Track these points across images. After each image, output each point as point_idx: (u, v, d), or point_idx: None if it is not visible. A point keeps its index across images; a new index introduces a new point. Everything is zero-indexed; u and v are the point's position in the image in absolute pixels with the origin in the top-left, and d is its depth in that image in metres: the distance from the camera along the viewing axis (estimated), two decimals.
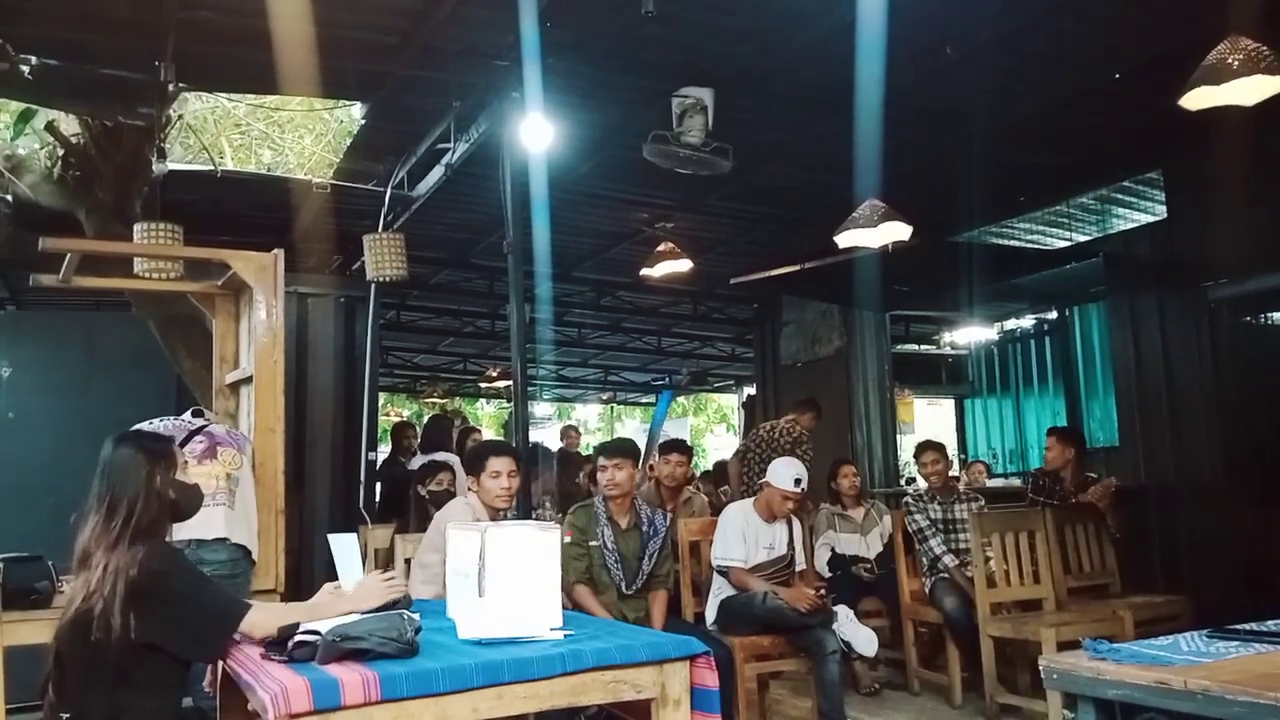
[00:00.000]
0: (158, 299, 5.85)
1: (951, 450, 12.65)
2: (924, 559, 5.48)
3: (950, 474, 5.88)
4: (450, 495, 5.46)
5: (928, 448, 5.85)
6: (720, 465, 9.12)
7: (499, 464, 3.99)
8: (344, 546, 2.94)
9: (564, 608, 2.81)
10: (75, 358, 6.10)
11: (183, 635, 2.42)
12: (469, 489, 4.09)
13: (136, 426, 3.92)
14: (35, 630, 3.05)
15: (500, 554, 2.58)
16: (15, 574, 3.31)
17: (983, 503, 5.74)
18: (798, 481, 4.67)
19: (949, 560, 5.34)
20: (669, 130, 5.31)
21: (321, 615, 2.49)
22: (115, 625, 2.32)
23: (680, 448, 5.76)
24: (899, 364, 10.20)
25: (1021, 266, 8.30)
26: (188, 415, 4.38)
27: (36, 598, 3.28)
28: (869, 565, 5.82)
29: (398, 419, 16.06)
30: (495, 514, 3.95)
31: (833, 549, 5.92)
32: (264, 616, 2.46)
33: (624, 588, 4.35)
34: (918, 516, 5.53)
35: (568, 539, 4.38)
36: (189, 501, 2.73)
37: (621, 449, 4.60)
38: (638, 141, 5.44)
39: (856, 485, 6.09)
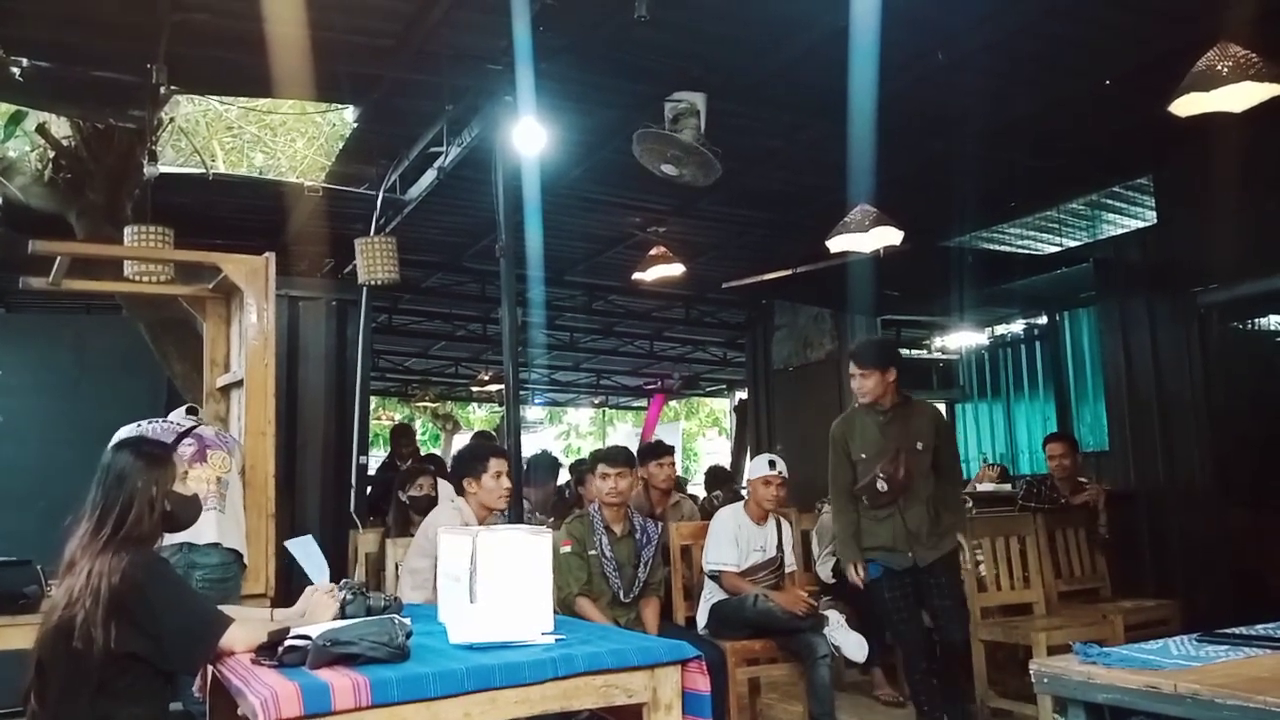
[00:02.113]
0: (149, 302, 5.83)
1: None
2: None
3: None
4: (431, 500, 5.43)
5: None
6: (715, 470, 9.09)
7: (500, 464, 4.00)
8: (303, 549, 2.97)
9: (559, 615, 2.81)
10: (66, 361, 6.08)
11: (162, 647, 2.39)
12: (469, 492, 4.02)
13: (125, 427, 3.92)
14: (23, 635, 3.02)
15: (492, 558, 2.57)
16: (3, 578, 3.31)
17: (969, 505, 5.75)
18: (772, 464, 4.74)
19: None
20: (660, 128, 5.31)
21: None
22: (96, 635, 2.29)
23: (667, 450, 5.76)
24: None
25: (1012, 271, 8.32)
26: (180, 414, 4.35)
27: (25, 602, 3.27)
28: None
29: (389, 422, 16.04)
30: (484, 519, 3.93)
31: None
32: (245, 632, 2.44)
33: (621, 595, 4.36)
34: None
35: (567, 549, 4.38)
36: (186, 513, 2.70)
37: (624, 458, 4.64)
38: (630, 146, 5.44)
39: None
